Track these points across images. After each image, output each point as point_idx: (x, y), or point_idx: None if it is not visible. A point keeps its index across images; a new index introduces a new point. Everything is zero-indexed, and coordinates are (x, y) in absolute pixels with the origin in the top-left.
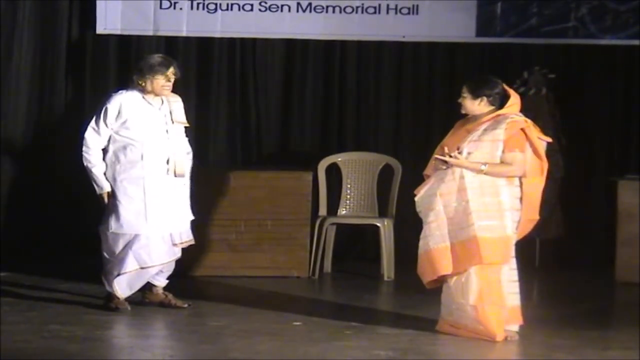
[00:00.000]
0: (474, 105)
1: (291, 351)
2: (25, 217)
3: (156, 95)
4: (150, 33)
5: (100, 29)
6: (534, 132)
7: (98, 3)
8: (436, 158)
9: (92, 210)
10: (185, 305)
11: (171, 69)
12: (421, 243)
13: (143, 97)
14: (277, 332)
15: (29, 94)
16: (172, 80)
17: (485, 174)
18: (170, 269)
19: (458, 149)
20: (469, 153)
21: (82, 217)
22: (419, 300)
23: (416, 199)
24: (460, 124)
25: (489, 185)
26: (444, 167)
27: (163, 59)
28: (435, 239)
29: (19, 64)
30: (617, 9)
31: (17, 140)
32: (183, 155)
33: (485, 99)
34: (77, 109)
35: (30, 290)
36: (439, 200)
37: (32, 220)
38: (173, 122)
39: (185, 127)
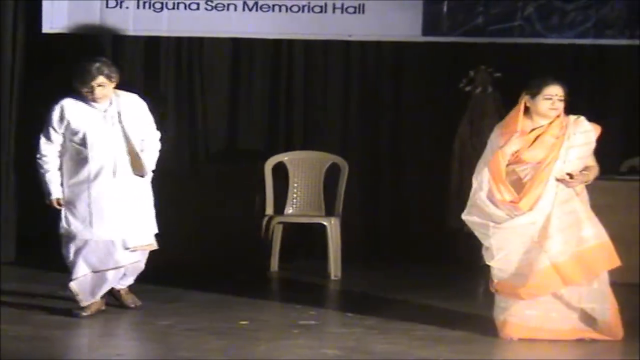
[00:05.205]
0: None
1: (238, 350)
2: None
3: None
4: (97, 32)
5: (46, 28)
6: None
7: (44, 2)
8: (563, 181)
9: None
10: (133, 305)
11: (99, 79)
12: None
13: (85, 101)
14: (224, 331)
15: None
16: (103, 87)
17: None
18: (134, 272)
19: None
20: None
21: (36, 216)
22: (365, 299)
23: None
24: (519, 129)
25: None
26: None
27: (91, 67)
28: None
29: None
30: (564, 8)
31: None
32: (137, 155)
33: None
34: (25, 109)
35: None
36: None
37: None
38: (121, 123)
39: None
